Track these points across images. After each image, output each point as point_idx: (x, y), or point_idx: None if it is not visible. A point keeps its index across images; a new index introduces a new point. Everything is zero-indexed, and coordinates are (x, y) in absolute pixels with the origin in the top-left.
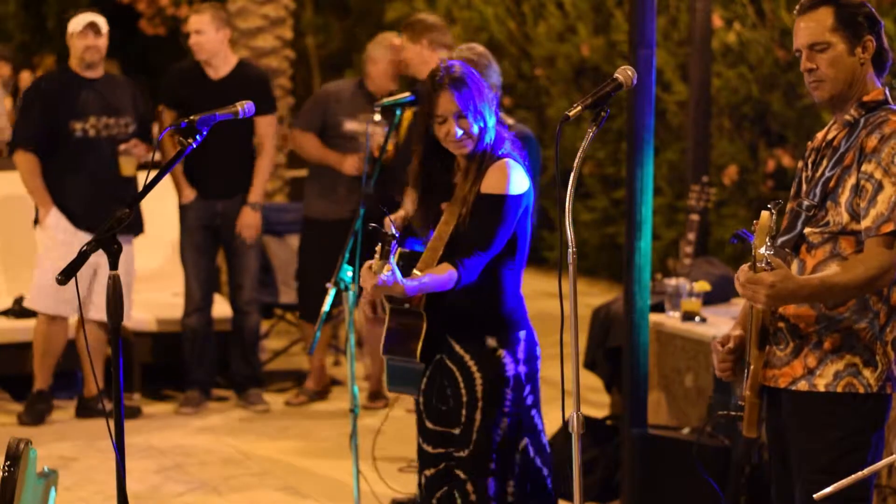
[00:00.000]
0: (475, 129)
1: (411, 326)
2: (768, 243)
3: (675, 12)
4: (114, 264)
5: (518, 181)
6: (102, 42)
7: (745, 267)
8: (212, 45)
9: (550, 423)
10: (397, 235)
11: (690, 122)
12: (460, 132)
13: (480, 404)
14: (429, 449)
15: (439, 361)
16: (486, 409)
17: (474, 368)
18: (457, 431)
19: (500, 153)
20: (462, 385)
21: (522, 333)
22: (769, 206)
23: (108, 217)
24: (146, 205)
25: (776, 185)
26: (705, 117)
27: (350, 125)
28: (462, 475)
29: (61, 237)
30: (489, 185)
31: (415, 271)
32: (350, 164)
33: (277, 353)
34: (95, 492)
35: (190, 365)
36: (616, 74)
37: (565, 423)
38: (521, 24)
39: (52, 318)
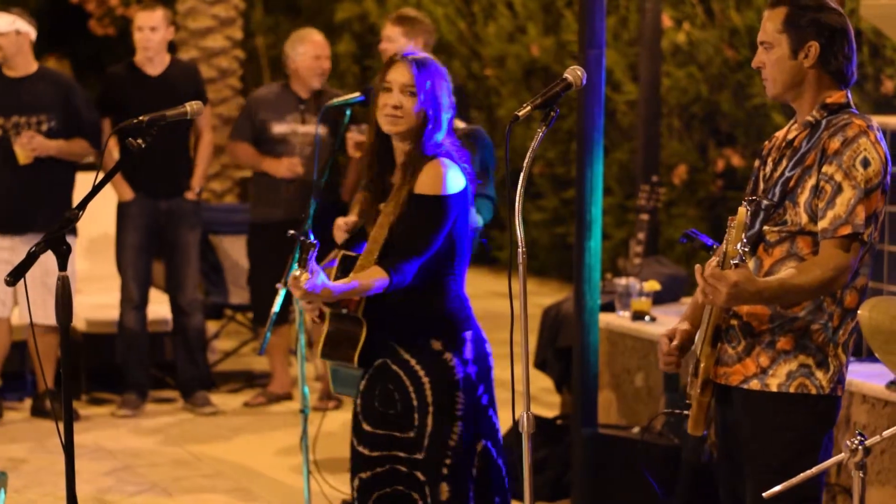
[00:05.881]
0: (417, 110)
1: (350, 331)
2: (744, 240)
3: (625, 12)
4: (62, 265)
5: (454, 180)
6: (5, 41)
7: (713, 261)
8: (161, 43)
9: (501, 423)
10: (316, 243)
11: (640, 122)
12: (398, 103)
13: (431, 409)
14: (365, 452)
15: (382, 365)
16: (438, 415)
17: (422, 373)
18: (411, 434)
19: (435, 152)
20: (412, 390)
21: (468, 334)
22: (745, 201)
23: (10, 215)
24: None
25: (726, 184)
26: (655, 117)
27: (278, 128)
28: (422, 477)
29: None
30: (423, 185)
31: (351, 275)
32: (285, 168)
33: (228, 354)
34: (45, 493)
35: (127, 367)
36: (565, 74)
37: (516, 423)
38: (471, 25)
39: None
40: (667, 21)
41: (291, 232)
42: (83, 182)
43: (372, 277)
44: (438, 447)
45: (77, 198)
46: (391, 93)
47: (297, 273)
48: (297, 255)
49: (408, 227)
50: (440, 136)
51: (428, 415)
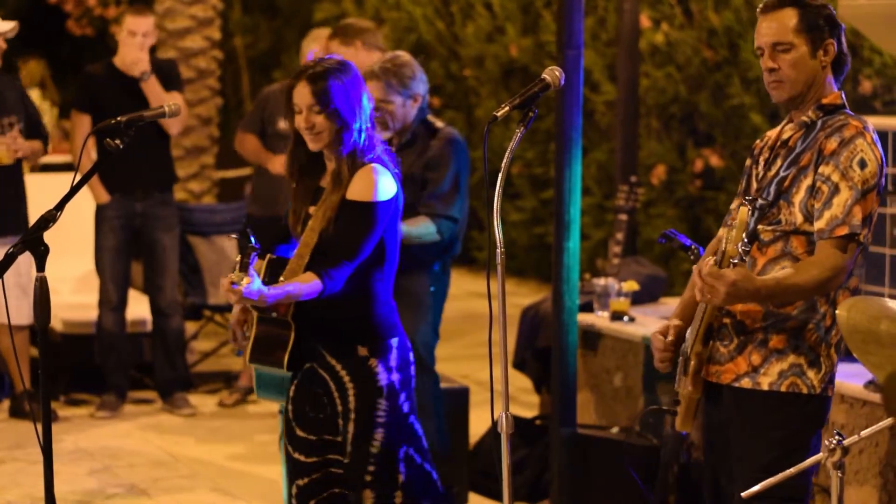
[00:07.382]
0: (329, 126)
1: (278, 335)
2: (744, 240)
3: (604, 13)
4: (41, 266)
5: (385, 187)
6: None
7: (710, 260)
8: (148, 49)
9: (480, 423)
10: (257, 246)
11: (618, 123)
12: (309, 124)
13: (353, 416)
14: (301, 458)
15: (310, 370)
16: (360, 421)
17: (346, 379)
18: (339, 439)
19: (367, 158)
20: (336, 395)
21: (394, 341)
22: (745, 201)
23: None
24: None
25: (704, 184)
26: (633, 117)
27: (283, 124)
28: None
29: None
30: (355, 191)
31: (281, 279)
32: (278, 164)
33: (206, 355)
34: (23, 494)
35: (105, 368)
36: (544, 75)
37: (494, 424)
38: (450, 25)
39: None
40: (645, 21)
41: (234, 235)
42: (60, 183)
43: (306, 283)
44: (361, 454)
45: (43, 200)
46: (301, 115)
47: (236, 277)
48: (239, 259)
49: (339, 232)
50: (362, 137)
51: (350, 421)
